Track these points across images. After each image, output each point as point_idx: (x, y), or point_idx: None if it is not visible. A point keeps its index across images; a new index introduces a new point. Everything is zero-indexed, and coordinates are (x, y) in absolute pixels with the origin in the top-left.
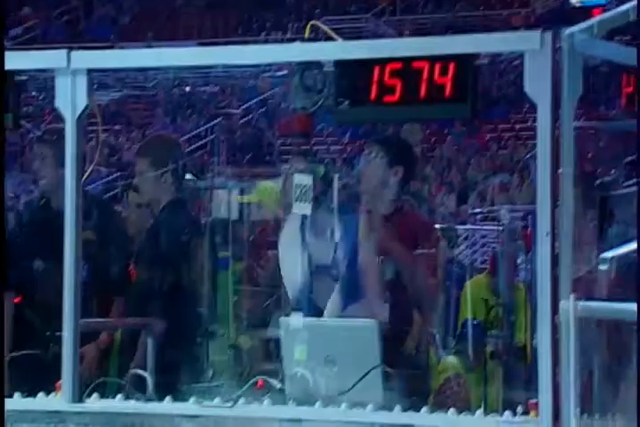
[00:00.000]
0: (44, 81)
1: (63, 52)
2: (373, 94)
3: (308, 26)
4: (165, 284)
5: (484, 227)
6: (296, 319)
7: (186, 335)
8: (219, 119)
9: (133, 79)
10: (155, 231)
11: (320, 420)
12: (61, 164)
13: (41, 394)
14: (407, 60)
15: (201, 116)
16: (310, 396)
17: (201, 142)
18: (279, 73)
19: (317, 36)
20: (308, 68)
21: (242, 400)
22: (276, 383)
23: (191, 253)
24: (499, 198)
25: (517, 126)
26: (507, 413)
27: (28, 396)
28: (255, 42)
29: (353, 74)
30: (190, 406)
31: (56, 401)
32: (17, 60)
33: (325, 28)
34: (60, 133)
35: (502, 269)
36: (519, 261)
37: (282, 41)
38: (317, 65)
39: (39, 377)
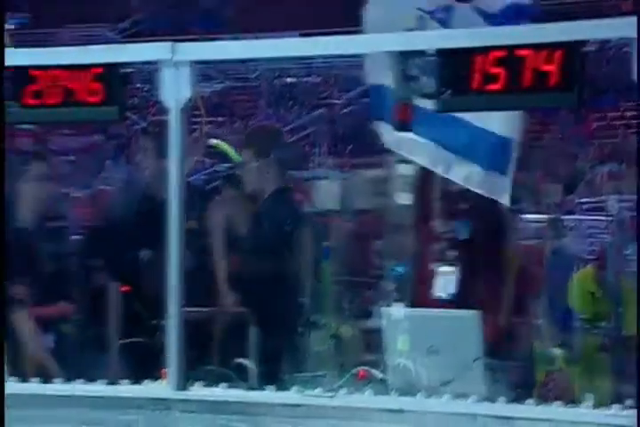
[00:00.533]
0: (148, 73)
1: (168, 44)
2: (476, 83)
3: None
4: (268, 273)
5: (592, 217)
6: (398, 310)
7: (288, 325)
8: (321, 110)
9: (236, 70)
10: (258, 221)
11: (422, 411)
12: (164, 155)
13: (147, 381)
14: (511, 48)
15: (303, 106)
16: (412, 386)
17: (303, 133)
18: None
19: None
20: (408, 57)
21: (343, 390)
22: (377, 374)
23: (294, 242)
24: (607, 188)
25: (628, 114)
26: (615, 406)
27: (134, 383)
28: (357, 32)
29: (455, 62)
30: (292, 396)
31: (161, 388)
32: (123, 53)
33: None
34: (163, 125)
35: (610, 260)
36: (628, 252)
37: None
38: (419, 54)
39: (145, 365)
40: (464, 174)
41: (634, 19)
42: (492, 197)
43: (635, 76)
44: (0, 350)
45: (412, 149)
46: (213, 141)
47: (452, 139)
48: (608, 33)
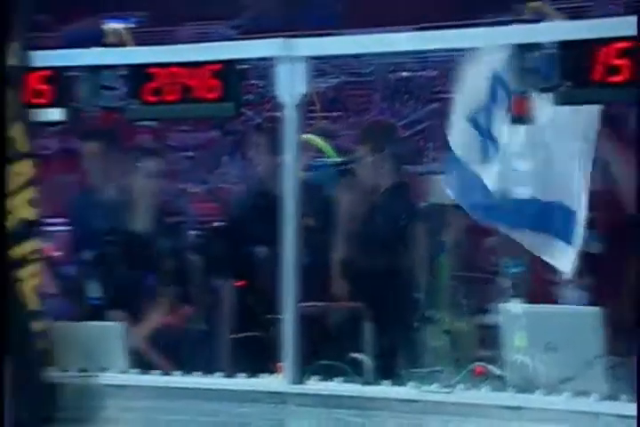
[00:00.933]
0: (264, 69)
1: (283, 40)
2: (598, 75)
3: (529, 6)
4: (383, 268)
5: None
6: (515, 306)
7: (403, 320)
8: (436, 104)
9: (350, 65)
10: (373, 215)
11: (541, 408)
12: (278, 151)
13: (263, 375)
14: (636, 39)
15: (418, 100)
16: (530, 383)
17: (418, 128)
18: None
19: (539, 17)
20: (527, 49)
21: (460, 386)
22: (495, 370)
23: (409, 237)
24: None
25: None
26: None
27: (250, 377)
28: (474, 24)
29: (575, 54)
30: (408, 391)
31: (277, 382)
32: (239, 50)
33: (548, 8)
34: (277, 121)
35: None
36: None
37: (502, 23)
38: (537, 47)
39: (261, 359)
40: (529, 241)
41: None
42: (556, 265)
43: None
44: (0, 350)
45: None
46: (306, 136)
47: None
48: None
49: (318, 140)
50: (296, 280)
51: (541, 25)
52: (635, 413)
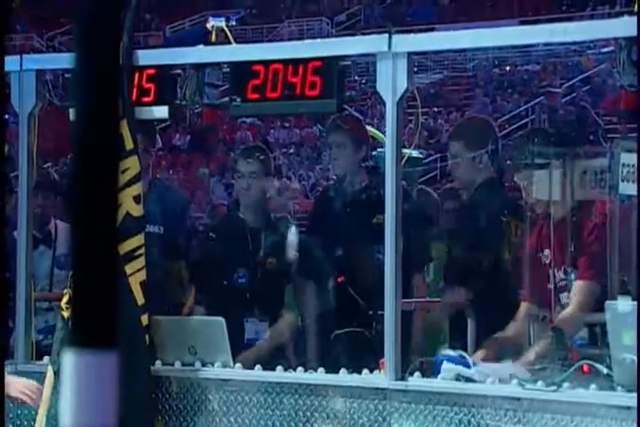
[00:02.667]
0: (365, 65)
1: (384, 36)
2: None
3: None
4: (482, 264)
5: None
6: (624, 303)
7: (505, 317)
8: (540, 98)
9: (452, 61)
10: (467, 211)
11: None
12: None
13: (365, 371)
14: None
15: (521, 95)
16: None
17: (521, 122)
18: (605, 49)
19: None
20: (636, 43)
21: (566, 384)
22: (602, 368)
23: (506, 232)
24: None
25: None
26: None
27: (353, 372)
28: (580, 18)
29: None
30: (513, 389)
31: (380, 378)
32: (340, 46)
33: None
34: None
35: None
36: None
37: (609, 15)
38: None
39: (363, 355)
40: None
41: None
42: None
43: None
44: (0, 349)
45: None
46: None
47: None
48: None
49: (380, 134)
50: (397, 276)
51: None
52: None
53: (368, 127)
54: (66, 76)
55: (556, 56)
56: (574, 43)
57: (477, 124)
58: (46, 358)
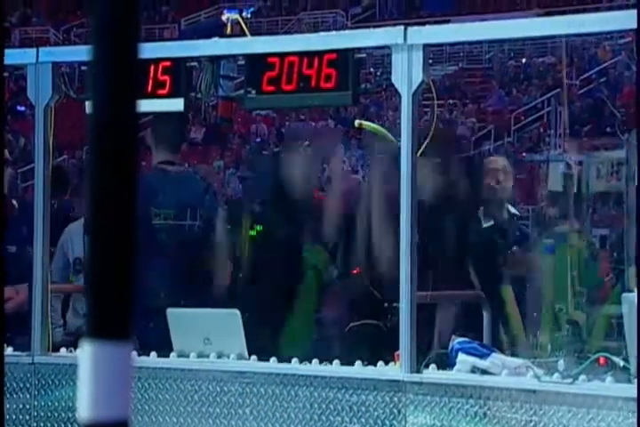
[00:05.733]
0: (381, 58)
1: (400, 28)
2: None
3: None
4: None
5: None
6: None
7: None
8: (556, 90)
9: (468, 53)
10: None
11: None
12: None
13: (380, 363)
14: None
15: (537, 87)
16: None
17: (537, 114)
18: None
19: None
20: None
21: (582, 377)
22: (618, 361)
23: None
24: None
25: None
26: None
27: (367, 364)
28: (596, 9)
29: None
30: (529, 381)
31: (395, 371)
32: (355, 39)
33: None
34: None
35: None
36: None
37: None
38: None
39: (378, 347)
40: None
41: None
42: None
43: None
44: (0, 349)
45: None
46: (358, 122)
47: None
48: None
49: (372, 125)
50: (412, 267)
51: None
52: None
53: (366, 122)
54: (82, 68)
55: (573, 48)
56: (591, 34)
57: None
58: (63, 350)
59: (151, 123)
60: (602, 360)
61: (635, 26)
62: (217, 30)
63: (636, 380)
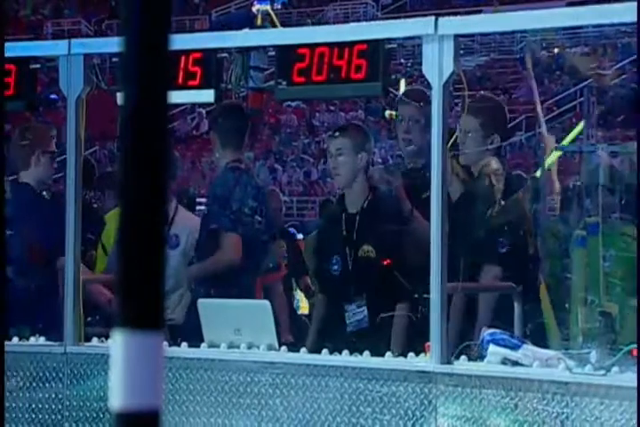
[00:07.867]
0: (411, 48)
1: (430, 19)
2: None
3: None
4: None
5: None
6: None
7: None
8: (589, 81)
9: (499, 43)
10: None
11: None
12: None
13: (411, 354)
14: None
15: (570, 77)
16: None
17: (570, 105)
18: None
19: None
20: (636, 29)
21: (614, 369)
22: None
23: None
24: None
25: None
26: None
27: (398, 356)
28: None
29: None
30: (560, 373)
31: (425, 362)
32: (386, 29)
33: None
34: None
35: None
36: None
37: None
38: None
39: (409, 338)
40: None
41: None
42: None
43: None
44: (0, 348)
45: None
46: (389, 113)
47: None
48: None
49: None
50: (442, 258)
51: None
52: None
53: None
54: (113, 60)
55: (606, 37)
56: (623, 24)
57: (494, 104)
58: (95, 340)
59: (214, 123)
60: (634, 352)
61: None
62: (247, 21)
63: None
